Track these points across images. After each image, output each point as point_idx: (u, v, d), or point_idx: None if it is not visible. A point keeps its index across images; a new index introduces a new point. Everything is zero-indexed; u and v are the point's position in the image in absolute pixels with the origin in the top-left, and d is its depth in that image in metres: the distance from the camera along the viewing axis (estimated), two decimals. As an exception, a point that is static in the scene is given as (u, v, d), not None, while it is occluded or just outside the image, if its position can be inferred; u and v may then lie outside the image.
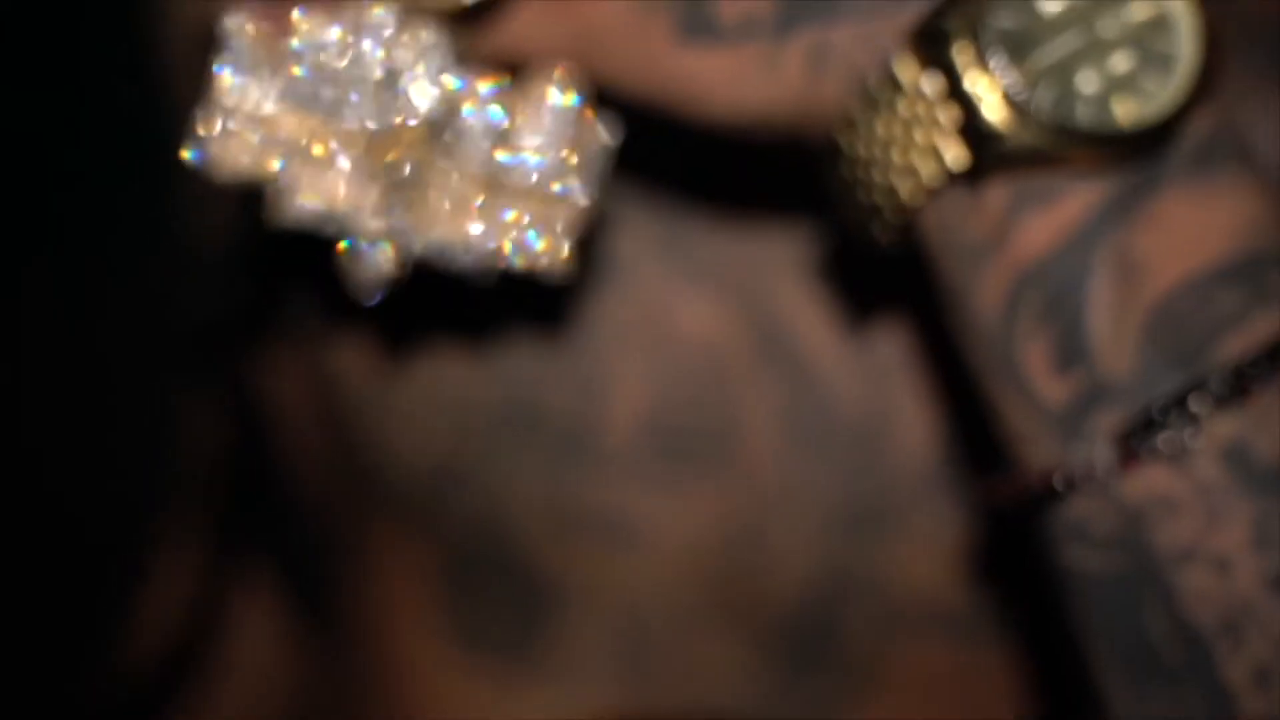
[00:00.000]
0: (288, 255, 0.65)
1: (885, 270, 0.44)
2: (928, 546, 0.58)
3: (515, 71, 0.43)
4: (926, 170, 0.39)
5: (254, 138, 0.41)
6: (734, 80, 0.41)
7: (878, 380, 0.58)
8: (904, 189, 0.39)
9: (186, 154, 0.41)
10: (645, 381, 0.60)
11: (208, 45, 0.67)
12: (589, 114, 0.42)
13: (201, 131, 0.41)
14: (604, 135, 0.42)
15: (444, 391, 0.61)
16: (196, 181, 0.75)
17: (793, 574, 0.60)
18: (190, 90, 0.69)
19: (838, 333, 0.58)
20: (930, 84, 0.38)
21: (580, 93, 0.42)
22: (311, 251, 0.62)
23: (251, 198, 0.67)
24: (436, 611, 0.65)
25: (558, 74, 0.42)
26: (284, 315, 0.67)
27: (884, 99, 0.39)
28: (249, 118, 0.41)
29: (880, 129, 0.39)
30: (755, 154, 0.46)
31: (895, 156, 0.39)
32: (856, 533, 0.59)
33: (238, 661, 0.83)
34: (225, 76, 0.41)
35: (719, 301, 0.59)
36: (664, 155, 0.47)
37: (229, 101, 0.41)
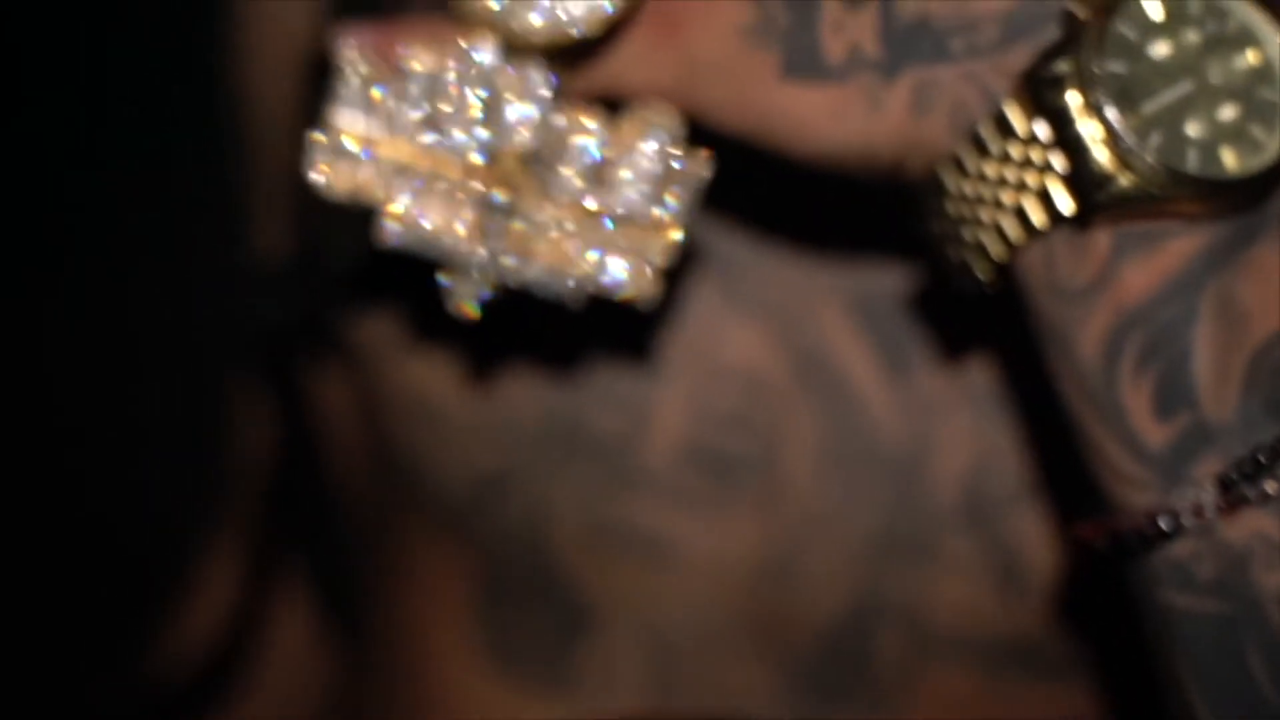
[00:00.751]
0: (346, 272, 0.65)
1: (975, 308, 0.44)
2: (962, 574, 0.58)
3: (613, 105, 0.44)
4: (1034, 213, 0.39)
5: (363, 164, 0.43)
6: (838, 116, 0.41)
7: (918, 412, 0.58)
8: (1010, 230, 0.40)
9: (305, 174, 0.43)
10: (688, 405, 0.60)
11: (285, 64, 0.68)
12: (683, 150, 0.43)
13: (315, 155, 0.43)
14: (698, 170, 0.43)
15: (492, 408, 0.61)
16: (255, 198, 0.76)
17: (825, 602, 0.60)
18: (267, 105, 0.71)
19: (880, 364, 0.58)
20: (1040, 129, 0.39)
21: (676, 128, 0.43)
22: (367, 270, 0.63)
23: (308, 215, 0.68)
24: (471, 624, 0.65)
25: (655, 109, 0.43)
26: (338, 328, 0.67)
27: (993, 142, 0.39)
28: (360, 144, 0.43)
29: (989, 171, 0.40)
30: (817, 185, 0.46)
31: (1003, 198, 0.40)
32: (891, 560, 0.59)
33: (274, 665, 0.83)
34: (338, 104, 0.43)
35: (763, 329, 0.59)
36: (719, 184, 0.47)
37: (341, 128, 0.43)
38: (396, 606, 0.69)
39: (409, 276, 0.63)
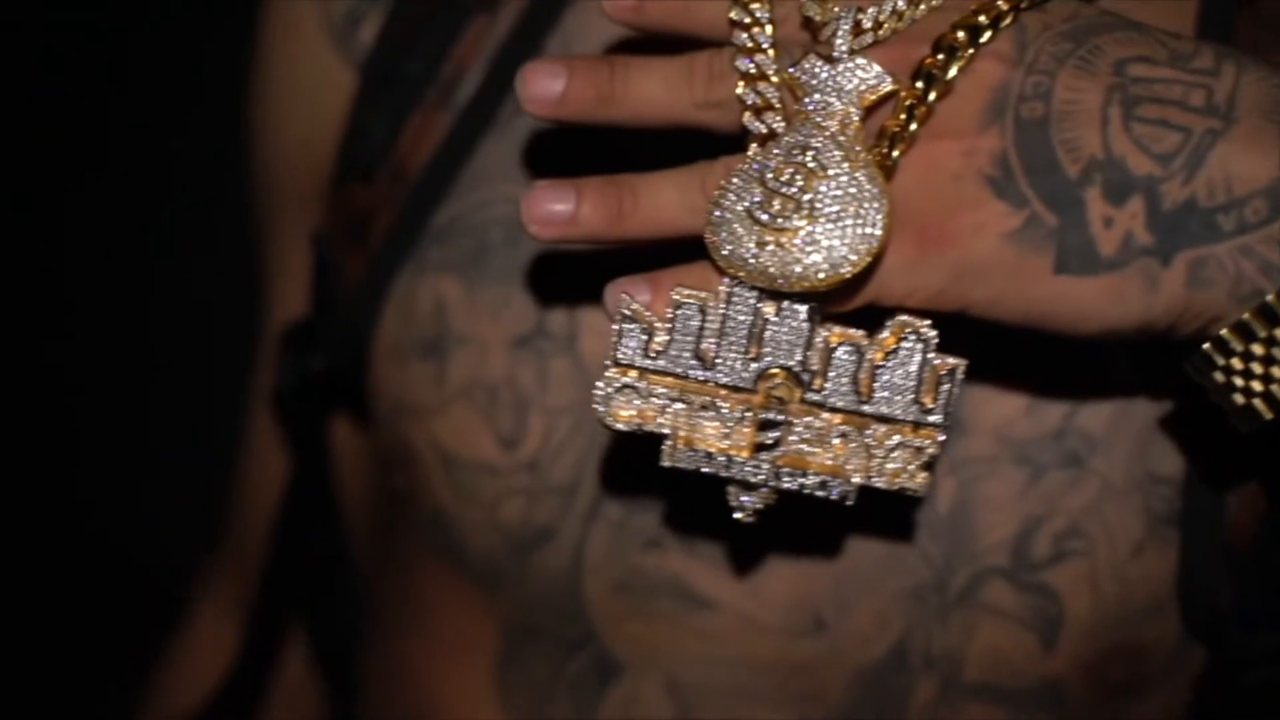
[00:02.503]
0: (364, 330, 0.66)
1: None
2: (1000, 623, 0.59)
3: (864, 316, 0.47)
4: None
5: (647, 399, 0.47)
6: (1118, 300, 0.44)
7: (963, 470, 0.58)
8: None
9: (596, 412, 0.48)
10: None
11: (308, 135, 0.68)
12: (942, 356, 0.46)
13: (604, 395, 0.47)
14: (955, 369, 0.47)
15: (523, 465, 0.61)
16: (274, 257, 0.76)
17: (860, 653, 0.60)
18: (290, 174, 0.71)
19: None
20: None
21: (931, 332, 0.46)
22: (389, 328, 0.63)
23: (327, 276, 0.68)
24: (488, 673, 0.65)
25: (911, 319, 0.46)
26: (355, 384, 0.67)
27: None
28: (642, 381, 0.47)
29: None
30: None
31: None
32: (930, 610, 0.59)
33: (272, 707, 0.83)
34: (620, 347, 0.47)
35: None
36: None
37: (624, 368, 0.47)
38: (405, 653, 0.69)
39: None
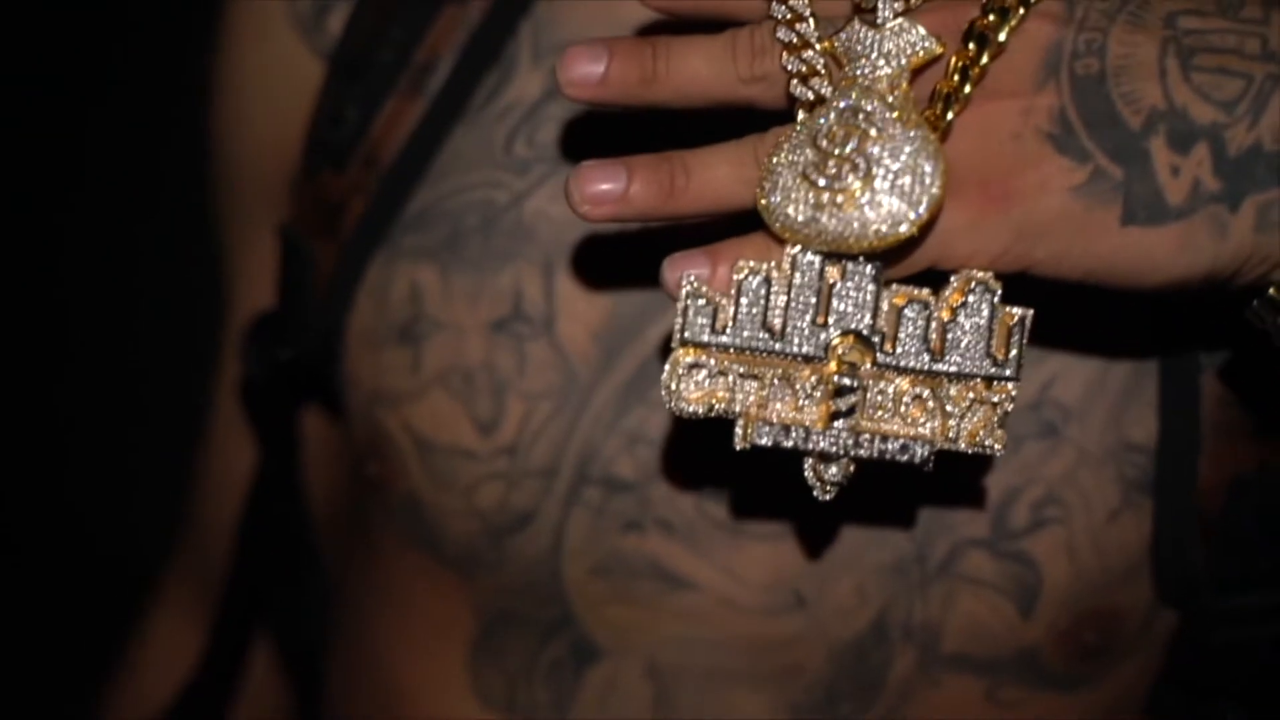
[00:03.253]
0: (334, 323, 0.65)
1: None
2: (980, 593, 0.60)
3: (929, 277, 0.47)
4: None
5: (716, 378, 0.46)
6: (1185, 249, 0.44)
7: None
8: None
9: (664, 395, 0.46)
10: (702, 443, 0.60)
11: (276, 128, 0.68)
12: (1008, 307, 0.46)
13: (672, 377, 0.46)
14: (1024, 319, 0.46)
15: (502, 450, 0.61)
16: (242, 251, 0.76)
17: (840, 627, 0.61)
18: (257, 167, 0.71)
19: None
20: None
21: (997, 285, 0.46)
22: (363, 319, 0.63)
23: (294, 268, 0.68)
24: (462, 658, 0.65)
25: (975, 272, 0.46)
26: (325, 375, 0.67)
27: None
28: (710, 360, 0.46)
29: None
30: None
31: None
32: (911, 583, 0.60)
33: (242, 701, 0.83)
34: (685, 327, 0.46)
35: None
36: None
37: (691, 348, 0.46)
38: (374, 645, 0.68)
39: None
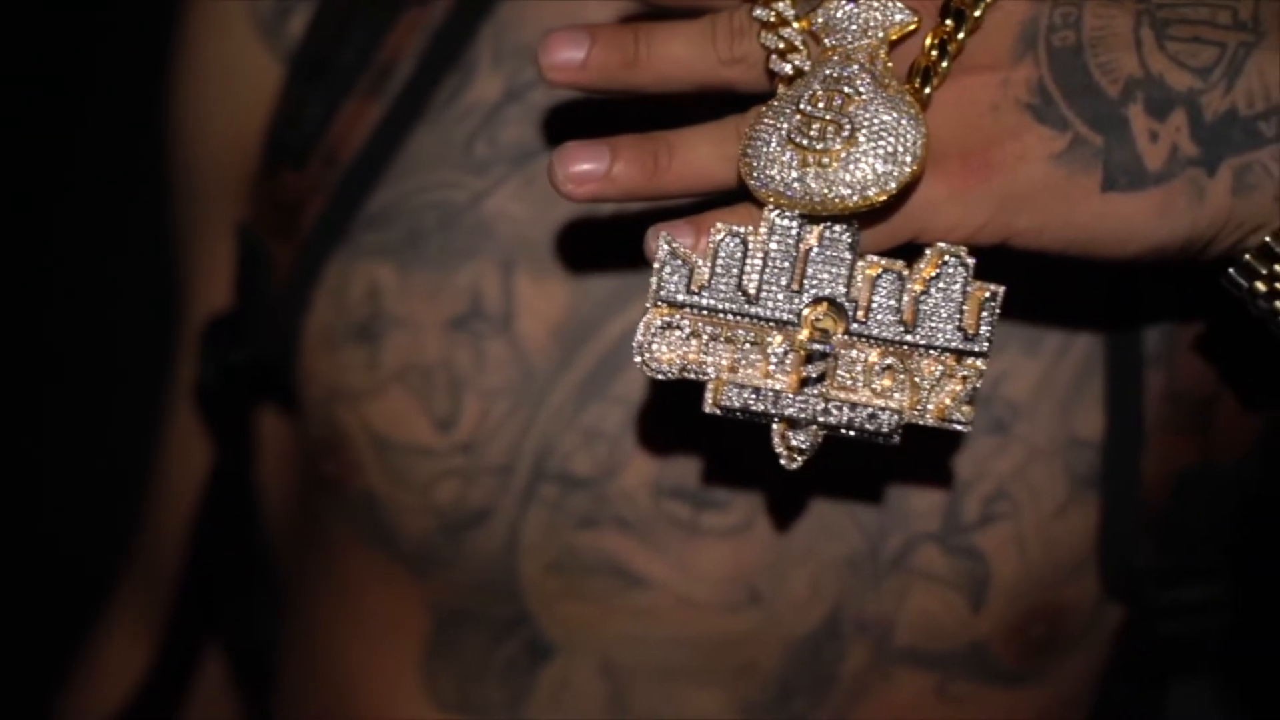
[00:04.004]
0: (290, 322, 0.66)
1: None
2: (931, 587, 0.60)
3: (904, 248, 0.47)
4: None
5: (689, 340, 0.46)
6: (1164, 213, 0.45)
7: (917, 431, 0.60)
8: None
9: (635, 357, 0.46)
10: (659, 440, 0.61)
11: (235, 129, 0.69)
12: (981, 283, 0.46)
13: (646, 337, 0.46)
14: (995, 294, 0.46)
15: (458, 447, 0.61)
16: (199, 251, 0.76)
17: (795, 622, 0.61)
18: (215, 168, 0.72)
19: None
20: None
21: (969, 259, 0.46)
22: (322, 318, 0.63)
23: (251, 268, 0.68)
24: (417, 656, 0.65)
25: (949, 246, 0.46)
26: (281, 374, 0.67)
27: None
28: (684, 321, 0.46)
29: None
30: None
31: None
32: (864, 577, 0.61)
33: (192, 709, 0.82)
34: (661, 289, 0.46)
35: None
36: None
37: (665, 309, 0.46)
38: (327, 646, 0.68)
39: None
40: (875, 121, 0.45)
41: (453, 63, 0.62)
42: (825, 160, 0.45)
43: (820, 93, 0.46)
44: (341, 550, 0.67)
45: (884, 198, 0.45)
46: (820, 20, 0.47)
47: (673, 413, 0.60)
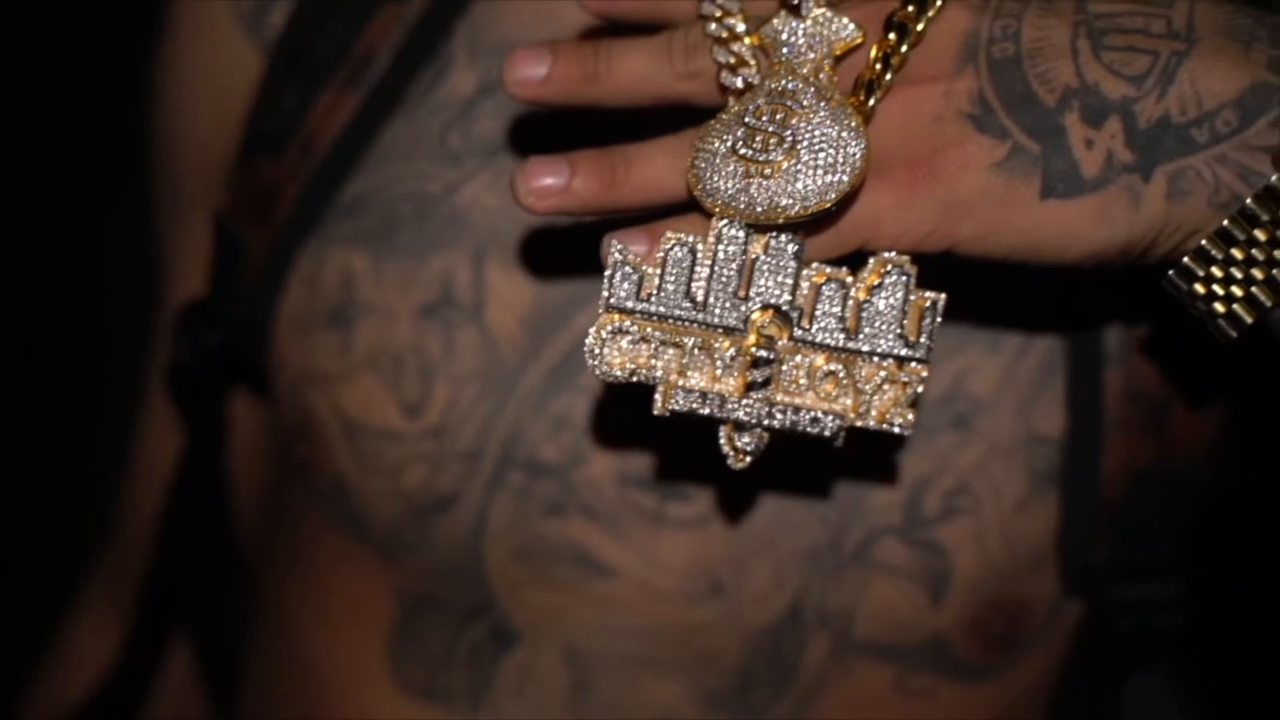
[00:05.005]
0: (262, 309, 0.66)
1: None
2: (892, 580, 0.61)
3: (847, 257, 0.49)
4: None
5: (639, 344, 0.48)
6: (1101, 220, 0.46)
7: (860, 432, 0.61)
8: None
9: (588, 359, 0.48)
10: (625, 430, 0.61)
11: (213, 120, 0.69)
12: (922, 290, 0.48)
13: (597, 341, 0.48)
14: (935, 302, 0.48)
15: (428, 432, 0.62)
16: (175, 239, 0.77)
17: (757, 613, 0.62)
18: (194, 157, 0.72)
19: None
20: None
21: (912, 268, 0.48)
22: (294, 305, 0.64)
23: (225, 256, 0.69)
24: (383, 641, 0.65)
25: (893, 255, 0.48)
26: (254, 360, 0.67)
27: (1264, 212, 0.45)
28: (634, 326, 0.48)
29: (1262, 235, 0.45)
30: None
31: (1277, 255, 0.45)
32: (825, 569, 0.61)
33: (157, 701, 0.82)
34: (613, 294, 0.48)
35: None
36: None
37: (616, 314, 0.48)
38: (294, 633, 0.69)
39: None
40: (816, 134, 0.47)
41: (429, 57, 0.63)
42: (767, 172, 0.47)
43: (764, 106, 0.47)
44: (310, 535, 0.67)
45: (823, 208, 0.46)
46: (769, 36, 0.49)
47: (639, 404, 0.60)
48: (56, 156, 1.68)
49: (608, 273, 0.48)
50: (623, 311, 0.48)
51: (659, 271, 0.48)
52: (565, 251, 0.61)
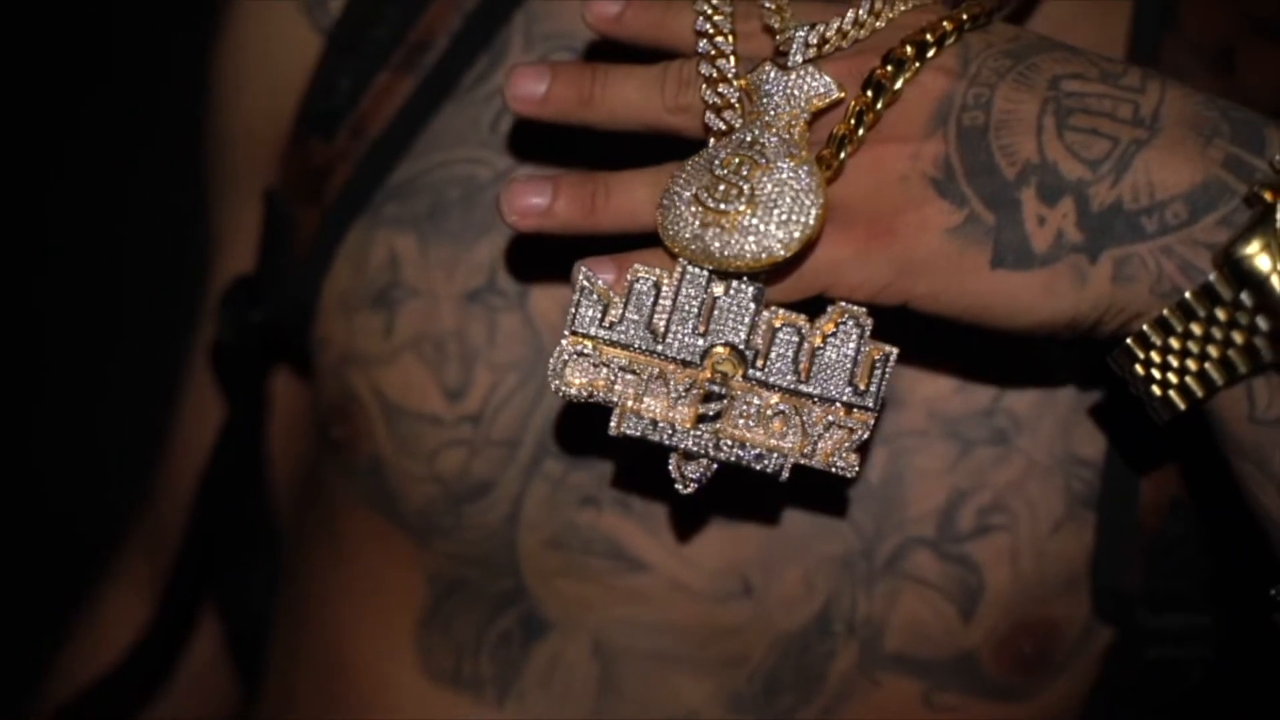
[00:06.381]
0: (309, 288, 0.66)
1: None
2: (924, 594, 0.61)
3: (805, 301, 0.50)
4: (1240, 363, 0.46)
5: (600, 367, 0.50)
6: (1049, 293, 0.47)
7: (895, 445, 0.60)
8: (1216, 375, 0.47)
9: (551, 379, 0.50)
10: None
11: (268, 101, 0.70)
12: (876, 342, 0.49)
13: (560, 361, 0.50)
14: (888, 356, 0.49)
15: (467, 417, 0.62)
16: (225, 217, 0.77)
17: (786, 618, 0.62)
18: (247, 138, 0.73)
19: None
20: (1245, 296, 0.45)
21: (867, 320, 0.49)
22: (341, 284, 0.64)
23: (274, 235, 0.69)
24: (413, 626, 0.65)
25: (850, 306, 0.49)
26: (298, 338, 0.68)
27: (1201, 308, 0.46)
28: (597, 351, 0.50)
29: (1196, 329, 0.46)
30: None
31: (1210, 351, 0.46)
32: (857, 578, 0.61)
33: (181, 676, 0.83)
34: (579, 318, 0.50)
35: None
36: None
37: (581, 338, 0.50)
38: (324, 617, 0.69)
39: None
40: (776, 189, 0.48)
41: (485, 44, 0.64)
42: (724, 222, 0.48)
43: (730, 156, 0.49)
44: (344, 516, 0.67)
45: (774, 262, 0.48)
46: (754, 83, 0.50)
47: (600, 421, 0.62)
48: (110, 133, 1.70)
49: (575, 297, 0.50)
50: (585, 336, 0.50)
51: (624, 302, 0.50)
52: (610, 243, 0.61)
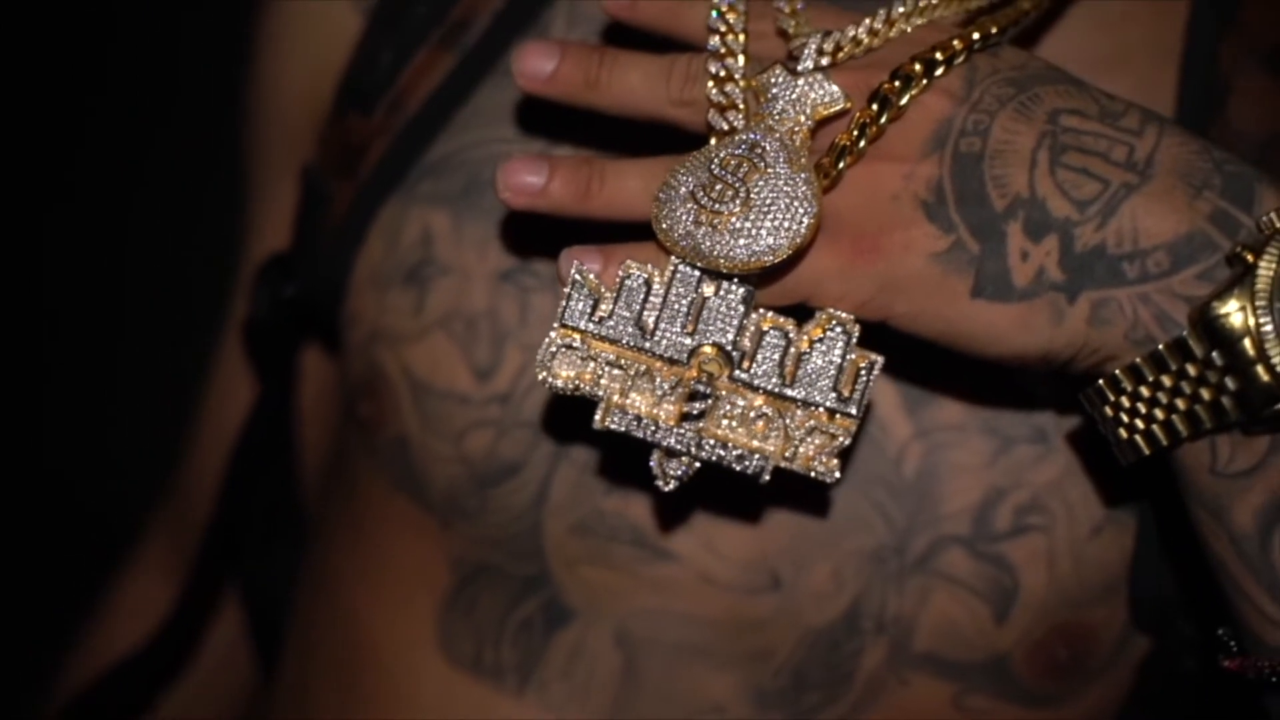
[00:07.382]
0: (341, 265, 0.66)
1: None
2: (956, 593, 0.59)
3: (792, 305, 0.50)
4: (1205, 418, 0.46)
5: (586, 361, 0.50)
6: (1025, 327, 0.48)
7: (932, 440, 0.59)
8: (1181, 426, 0.47)
9: (538, 371, 0.50)
10: None
11: (307, 82, 0.70)
12: (862, 350, 0.49)
13: (547, 353, 0.50)
14: (873, 364, 0.49)
15: (494, 398, 0.61)
16: (261, 194, 0.77)
17: (814, 613, 0.60)
18: (284, 117, 0.73)
19: (897, 390, 0.60)
20: (1216, 356, 0.45)
21: (854, 327, 0.49)
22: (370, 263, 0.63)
23: (309, 212, 0.69)
24: (435, 612, 0.65)
25: (838, 313, 0.49)
26: (329, 316, 0.67)
27: (1173, 362, 0.46)
28: (584, 344, 0.50)
29: (1166, 381, 0.46)
30: None
31: (1178, 403, 0.46)
32: (888, 576, 0.60)
33: (203, 660, 0.82)
34: (567, 311, 0.50)
35: None
36: None
37: (568, 331, 0.50)
38: (347, 601, 0.68)
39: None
40: (772, 195, 0.48)
41: (527, 24, 0.63)
42: (717, 223, 0.48)
43: (731, 157, 0.49)
44: (369, 496, 0.67)
45: (761, 266, 0.48)
46: (762, 84, 0.50)
47: (586, 413, 0.61)
48: (145, 112, 1.71)
49: (566, 290, 0.50)
50: (575, 329, 0.50)
51: (615, 297, 0.50)
52: (644, 227, 0.61)
